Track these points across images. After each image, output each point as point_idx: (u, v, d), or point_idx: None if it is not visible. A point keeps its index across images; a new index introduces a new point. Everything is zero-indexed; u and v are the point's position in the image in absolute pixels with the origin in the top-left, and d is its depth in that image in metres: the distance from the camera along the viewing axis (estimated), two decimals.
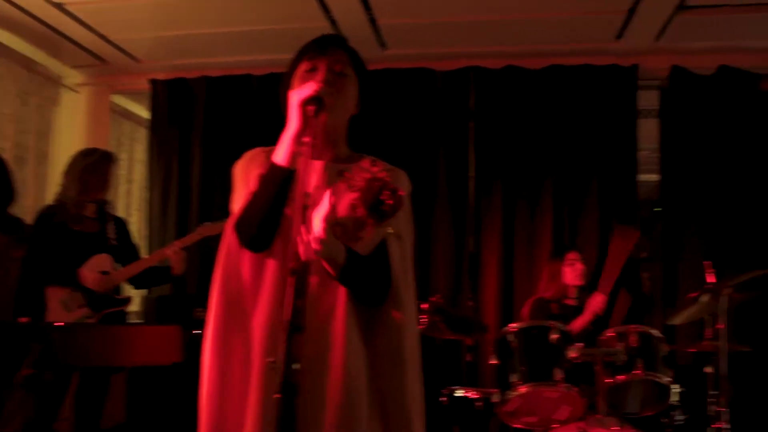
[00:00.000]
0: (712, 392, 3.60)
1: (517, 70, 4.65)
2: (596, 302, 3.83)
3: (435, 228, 4.64)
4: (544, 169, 4.60)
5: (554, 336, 3.27)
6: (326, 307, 1.61)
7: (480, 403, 3.54)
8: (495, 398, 3.41)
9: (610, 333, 3.43)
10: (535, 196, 4.59)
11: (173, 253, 3.69)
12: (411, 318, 1.71)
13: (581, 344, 3.27)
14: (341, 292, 1.62)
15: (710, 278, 3.54)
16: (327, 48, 1.73)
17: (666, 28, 4.27)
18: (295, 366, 1.30)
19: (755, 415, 4.24)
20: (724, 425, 3.42)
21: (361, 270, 1.60)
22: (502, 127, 4.64)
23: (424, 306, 3.61)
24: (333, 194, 1.49)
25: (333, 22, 4.30)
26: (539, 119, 4.61)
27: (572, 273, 3.96)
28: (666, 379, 3.37)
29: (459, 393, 3.61)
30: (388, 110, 4.70)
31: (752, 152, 4.42)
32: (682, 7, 4.05)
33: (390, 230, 1.66)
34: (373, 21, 4.33)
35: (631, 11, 4.10)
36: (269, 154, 1.64)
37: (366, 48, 4.40)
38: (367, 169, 1.41)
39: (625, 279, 4.03)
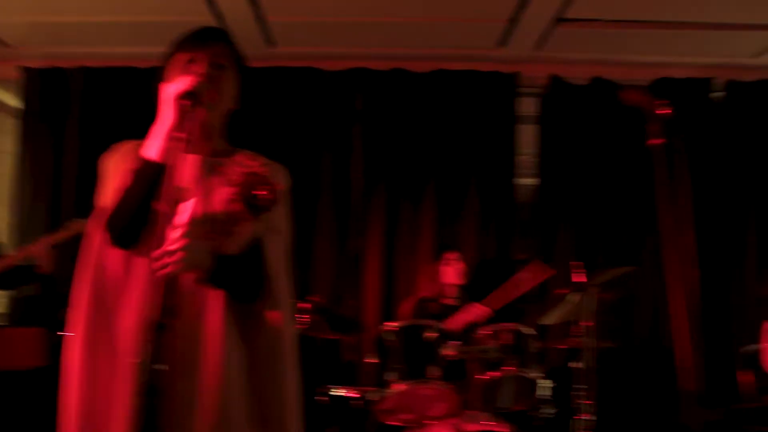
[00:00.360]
0: (578, 386, 3.78)
1: (404, 73, 4.72)
2: (479, 312, 3.89)
3: (318, 227, 4.63)
4: (427, 171, 4.68)
5: (430, 335, 3.33)
6: (200, 305, 1.57)
7: (358, 402, 3.56)
8: (372, 396, 3.44)
9: (484, 331, 3.54)
10: (418, 198, 4.66)
11: (40, 251, 3.50)
12: (288, 315, 1.69)
13: (456, 342, 3.35)
14: (217, 290, 1.58)
15: (578, 278, 3.72)
16: (207, 41, 1.69)
17: (545, 39, 4.45)
18: (161, 367, 1.26)
19: (618, 406, 4.47)
20: (588, 417, 3.60)
21: (230, 270, 1.57)
22: (388, 129, 4.70)
23: (306, 305, 3.60)
24: (208, 188, 1.47)
25: (219, 16, 4.22)
26: (423, 122, 4.70)
27: (451, 272, 4.05)
28: (536, 375, 3.50)
29: (337, 392, 3.62)
30: (274, 108, 4.66)
31: (621, 159, 4.66)
32: (560, 20, 4.24)
33: (266, 225, 1.64)
34: (261, 17, 4.28)
35: (512, 21, 4.25)
36: (140, 148, 1.59)
37: (253, 45, 4.39)
38: (245, 163, 1.39)
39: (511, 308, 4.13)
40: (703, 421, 1.32)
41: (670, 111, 1.56)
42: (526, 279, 3.99)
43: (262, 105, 4.60)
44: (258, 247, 1.63)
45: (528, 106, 4.82)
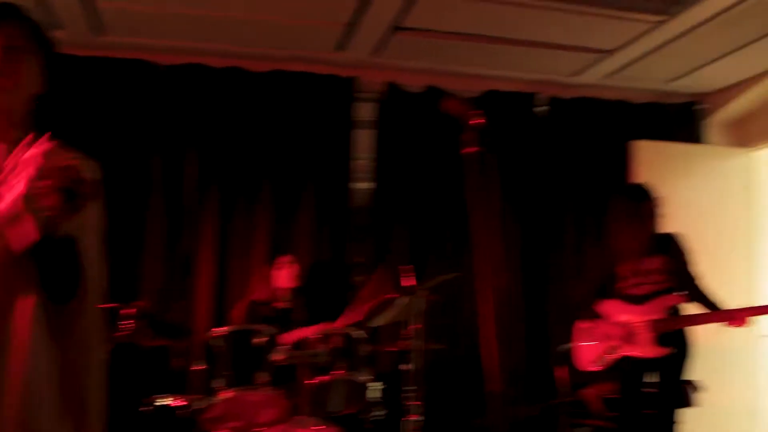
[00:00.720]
0: (407, 388, 3.87)
1: (241, 72, 4.60)
2: (316, 329, 3.85)
3: (148, 228, 4.41)
4: (263, 172, 4.60)
5: (259, 340, 3.27)
6: (8, 302, 1.45)
7: (184, 411, 3.41)
8: (199, 405, 3.32)
9: (313, 335, 3.52)
10: (253, 199, 4.57)
11: None
12: (100, 317, 1.61)
13: (285, 347, 3.31)
14: (26, 288, 1.46)
15: (408, 281, 3.80)
16: (1, 20, 1.54)
17: (383, 46, 4.51)
18: None
19: (445, 407, 4.63)
20: (417, 417, 3.69)
21: (49, 256, 1.46)
22: (223, 127, 4.56)
23: (130, 310, 3.40)
24: (9, 179, 1.34)
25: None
26: (260, 122, 4.61)
27: (284, 276, 4.01)
28: (366, 378, 3.54)
29: (162, 401, 3.45)
30: (102, 101, 4.38)
31: (449, 166, 4.81)
32: (397, 28, 4.31)
33: (79, 223, 1.51)
34: (89, 2, 3.99)
35: (351, 25, 4.27)
36: None
37: (79, 32, 4.09)
38: (54, 155, 1.28)
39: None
40: (510, 421, 1.37)
41: (483, 121, 1.61)
42: (373, 292, 4.02)
43: (87, 96, 4.31)
44: (71, 245, 1.52)
45: (365, 111, 4.88)
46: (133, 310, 3.37)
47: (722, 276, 4.28)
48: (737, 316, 3.41)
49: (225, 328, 3.37)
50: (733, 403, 5.20)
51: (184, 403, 3.42)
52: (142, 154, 4.45)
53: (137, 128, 4.46)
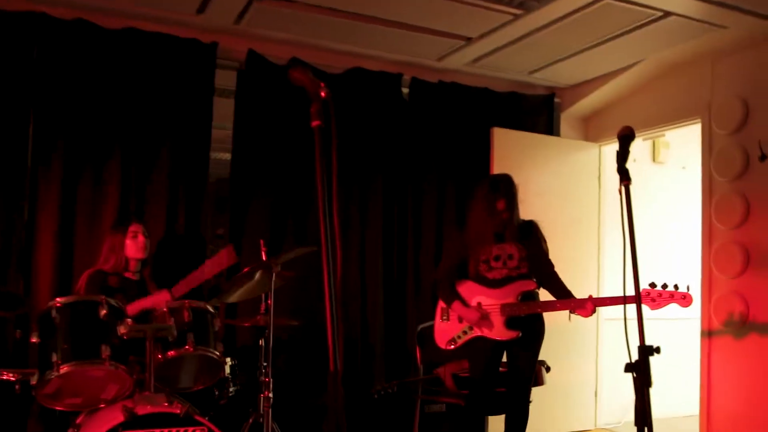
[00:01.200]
0: (261, 364, 3.84)
1: (90, 26, 4.24)
2: (161, 299, 3.72)
3: None
4: (113, 136, 4.31)
5: (103, 311, 3.12)
6: None
7: (17, 386, 3.20)
8: (35, 380, 3.13)
9: (163, 308, 3.41)
10: (101, 164, 4.28)
11: None
12: None
13: (130, 320, 3.17)
14: None
15: (262, 256, 3.76)
16: None
17: (244, 13, 4.33)
18: None
19: (300, 383, 4.65)
20: (268, 394, 3.67)
21: None
22: (69, 85, 4.21)
23: None
24: None
25: None
26: (111, 83, 4.31)
27: (134, 246, 3.83)
28: (217, 354, 3.46)
29: None
30: None
31: (307, 139, 4.80)
32: None
33: None
34: None
35: None
36: None
37: None
38: None
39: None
40: (343, 401, 1.38)
41: (327, 93, 1.61)
42: (212, 266, 3.92)
43: None
44: None
45: (226, 79, 4.72)
46: None
47: (572, 263, 4.57)
48: (585, 306, 3.63)
49: (66, 298, 3.16)
50: (577, 381, 5.59)
51: (18, 377, 3.22)
52: None
53: None
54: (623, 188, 2.28)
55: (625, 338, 2.22)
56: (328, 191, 1.54)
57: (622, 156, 2.34)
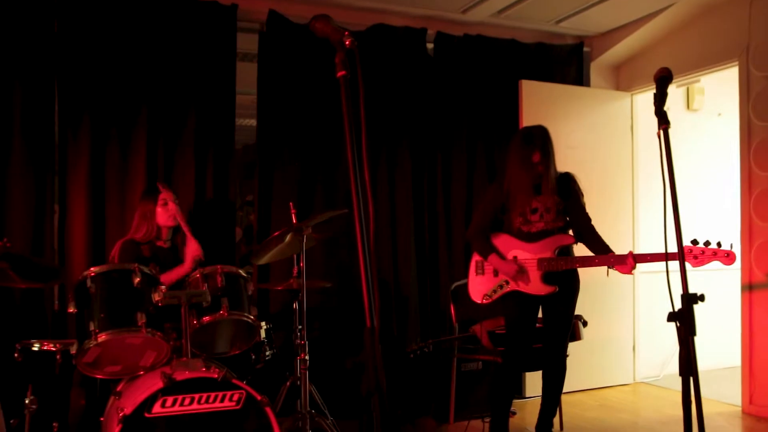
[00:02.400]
0: (296, 327, 3.85)
1: None
2: (192, 248, 3.77)
3: (11, 167, 4.02)
4: (138, 106, 4.28)
5: (137, 279, 3.13)
6: None
7: (58, 356, 3.25)
8: (74, 349, 3.17)
9: (196, 274, 3.41)
10: (129, 134, 4.27)
11: None
12: None
13: (164, 287, 3.18)
14: None
15: (293, 219, 3.74)
16: None
17: None
18: None
19: (336, 344, 4.66)
20: (304, 356, 3.69)
21: None
22: (91, 55, 4.18)
23: None
24: None
25: None
26: (133, 51, 4.27)
27: (164, 214, 3.83)
28: (251, 318, 3.47)
29: (35, 347, 3.27)
30: None
31: (335, 100, 4.72)
32: None
33: None
34: None
35: None
36: None
37: None
38: None
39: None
40: (383, 359, 1.35)
41: (351, 42, 1.54)
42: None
43: None
44: None
45: (248, 43, 4.64)
46: None
47: (606, 218, 4.47)
48: (626, 262, 3.52)
49: (99, 268, 3.17)
50: (614, 336, 5.53)
51: (59, 347, 3.26)
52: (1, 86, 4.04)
53: None
54: (662, 132, 2.19)
55: (667, 288, 2.15)
56: (357, 143, 1.48)
57: (660, 98, 2.24)
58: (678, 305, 2.13)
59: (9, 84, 4.04)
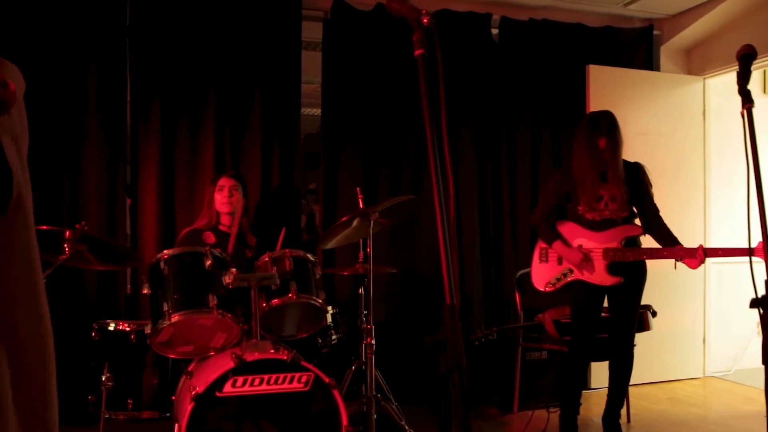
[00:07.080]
0: (362, 311, 3.87)
1: None
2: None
3: (86, 152, 4.16)
4: (206, 94, 4.38)
5: (208, 262, 3.19)
6: None
7: (133, 336, 3.36)
8: (148, 329, 3.26)
9: (265, 258, 3.46)
10: (196, 123, 4.37)
11: None
12: (33, 236, 1.48)
13: (235, 270, 3.23)
14: None
15: (360, 205, 3.76)
16: None
17: None
18: None
19: (400, 330, 4.68)
20: (370, 341, 3.70)
21: None
22: (161, 47, 4.28)
23: (69, 234, 3.25)
24: None
25: None
26: (201, 39, 4.36)
27: (220, 199, 3.91)
28: (320, 301, 3.50)
29: (111, 327, 3.39)
30: (29, 18, 4.07)
31: (404, 90, 4.72)
32: None
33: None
34: None
35: None
36: None
37: None
38: None
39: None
40: (462, 336, 1.35)
41: (429, 20, 1.53)
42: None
43: (13, 13, 4.02)
44: None
45: (313, 31, 4.68)
46: (69, 234, 3.21)
47: (676, 209, 4.35)
48: (696, 255, 3.43)
49: (172, 250, 3.25)
50: (684, 328, 5.38)
51: (134, 327, 3.37)
52: (77, 75, 4.15)
53: (75, 49, 4.15)
54: (746, 112, 2.11)
55: (750, 274, 2.08)
56: (436, 123, 1.47)
57: (743, 77, 2.18)
58: (761, 291, 2.06)
59: (83, 74, 4.17)
